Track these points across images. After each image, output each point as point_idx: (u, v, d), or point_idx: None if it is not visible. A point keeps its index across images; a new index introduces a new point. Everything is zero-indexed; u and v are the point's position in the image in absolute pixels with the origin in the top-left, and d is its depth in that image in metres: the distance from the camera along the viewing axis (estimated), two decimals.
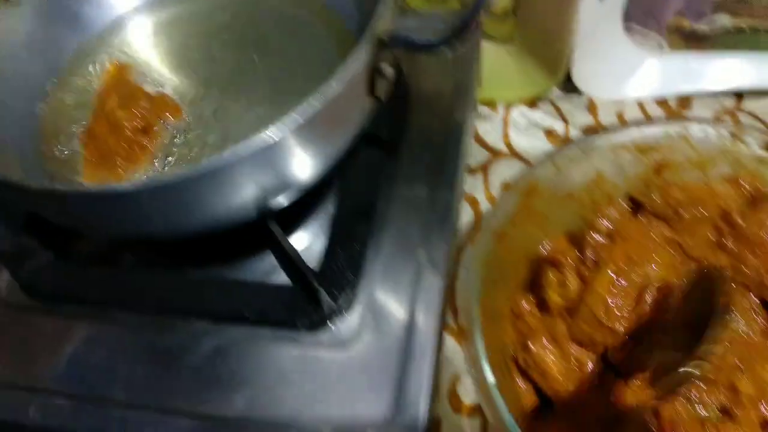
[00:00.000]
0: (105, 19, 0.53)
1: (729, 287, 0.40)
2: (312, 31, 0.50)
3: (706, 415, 0.41)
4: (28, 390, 0.42)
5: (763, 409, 0.41)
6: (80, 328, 0.45)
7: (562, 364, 0.42)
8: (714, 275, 0.41)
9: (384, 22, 0.36)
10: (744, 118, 0.65)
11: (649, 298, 0.42)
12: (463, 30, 0.32)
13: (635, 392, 0.40)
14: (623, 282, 0.42)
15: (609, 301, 0.42)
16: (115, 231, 0.40)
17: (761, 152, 0.44)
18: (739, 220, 0.45)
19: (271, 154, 0.33)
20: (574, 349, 0.42)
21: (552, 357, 0.43)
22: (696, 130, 0.45)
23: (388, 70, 0.37)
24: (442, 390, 0.55)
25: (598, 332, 0.42)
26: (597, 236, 0.45)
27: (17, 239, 0.45)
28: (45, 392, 0.42)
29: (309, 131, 0.34)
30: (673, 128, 0.45)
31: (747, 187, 0.46)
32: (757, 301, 0.45)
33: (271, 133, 0.31)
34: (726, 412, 0.41)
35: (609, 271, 0.42)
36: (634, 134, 0.45)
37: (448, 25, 0.33)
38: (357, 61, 0.34)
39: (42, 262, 0.46)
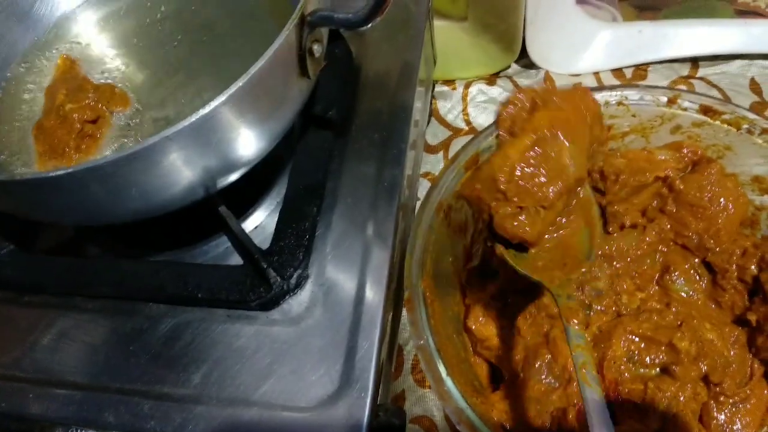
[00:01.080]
0: (55, 14, 0.54)
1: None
2: (257, 13, 0.51)
3: (647, 372, 0.43)
4: None
5: (702, 367, 0.42)
6: (42, 316, 0.46)
7: (500, 331, 0.44)
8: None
9: (312, 1, 0.37)
10: (698, 85, 0.66)
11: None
12: (378, 7, 0.32)
13: None
14: (538, 150, 0.37)
15: (517, 165, 0.37)
16: (64, 217, 0.41)
17: (698, 116, 0.45)
18: (680, 185, 0.46)
19: (202, 132, 0.34)
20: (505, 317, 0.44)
21: (491, 327, 0.44)
22: (633, 96, 0.46)
23: (317, 49, 0.38)
24: (406, 365, 0.56)
25: (489, 194, 0.37)
26: (510, 108, 0.39)
27: None
28: (8, 379, 0.43)
29: (238, 108, 0.35)
30: (611, 95, 0.46)
31: (688, 152, 0.47)
32: (699, 262, 0.47)
33: (196, 113, 0.32)
34: (666, 371, 0.43)
35: (527, 137, 0.37)
36: None
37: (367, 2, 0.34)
38: (280, 40, 0.35)
39: (3, 253, 0.47)
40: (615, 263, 0.46)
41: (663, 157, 0.46)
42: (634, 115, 0.47)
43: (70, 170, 0.32)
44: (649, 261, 0.46)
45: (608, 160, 0.47)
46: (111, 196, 0.37)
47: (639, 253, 0.46)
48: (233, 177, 0.41)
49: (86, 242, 0.50)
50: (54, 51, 0.52)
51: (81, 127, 0.44)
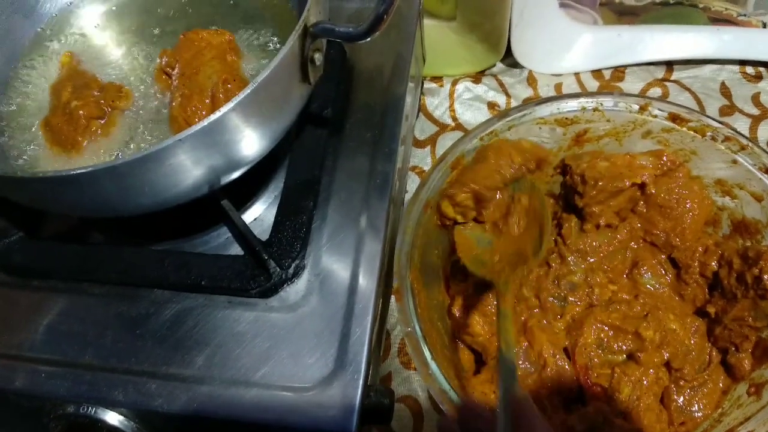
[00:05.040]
0: (59, 9, 0.55)
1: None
2: (257, 15, 0.53)
3: (614, 358, 0.46)
4: (7, 358, 0.46)
5: (665, 354, 0.46)
6: (52, 300, 0.48)
7: (483, 319, 0.47)
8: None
9: (314, 13, 0.40)
10: (672, 87, 0.70)
11: None
12: (378, 22, 0.35)
13: None
14: None
15: None
16: (76, 210, 0.44)
17: (667, 122, 0.49)
18: (651, 188, 0.50)
19: (211, 135, 0.37)
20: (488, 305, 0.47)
21: (475, 317, 0.47)
22: (608, 103, 0.49)
23: (318, 58, 0.40)
24: (393, 349, 0.60)
25: None
26: None
27: None
28: (21, 359, 0.46)
29: (244, 113, 0.37)
30: (588, 102, 0.49)
31: (667, 160, 0.50)
32: (665, 258, 0.51)
33: (206, 118, 0.35)
34: (632, 357, 0.47)
35: None
36: (552, 109, 0.49)
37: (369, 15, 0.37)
38: (285, 50, 0.37)
39: (13, 240, 0.49)
40: (589, 258, 0.50)
41: (643, 163, 0.50)
42: (608, 120, 0.50)
43: (89, 169, 0.34)
44: (620, 257, 0.50)
45: (591, 163, 0.50)
46: (123, 193, 0.39)
47: (611, 249, 0.50)
48: (236, 174, 0.44)
49: (90, 230, 0.52)
50: (57, 47, 0.54)
51: (87, 123, 0.47)
